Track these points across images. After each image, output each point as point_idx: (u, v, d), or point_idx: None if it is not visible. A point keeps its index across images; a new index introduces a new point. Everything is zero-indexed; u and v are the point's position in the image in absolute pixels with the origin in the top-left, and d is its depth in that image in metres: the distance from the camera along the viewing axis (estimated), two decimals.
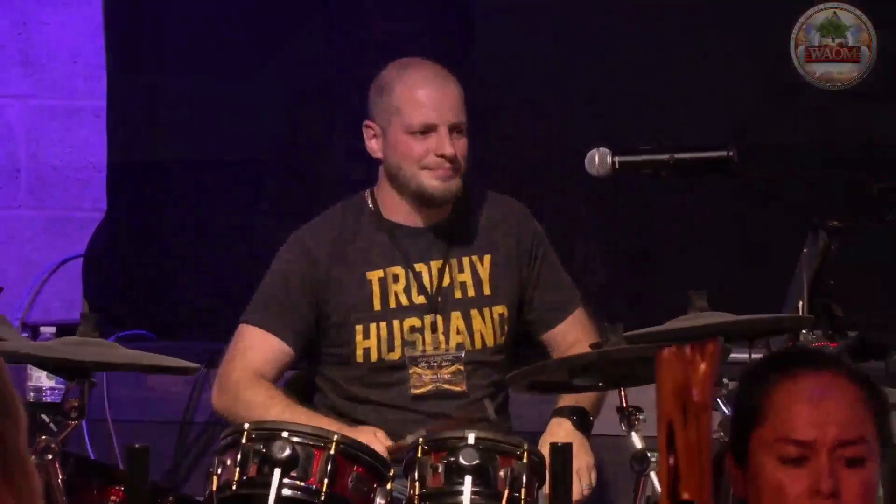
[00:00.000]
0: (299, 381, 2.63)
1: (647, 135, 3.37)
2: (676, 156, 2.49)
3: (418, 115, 2.43)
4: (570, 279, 2.64)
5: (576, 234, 3.54)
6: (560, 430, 2.40)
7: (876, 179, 2.50)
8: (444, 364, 2.45)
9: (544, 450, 2.21)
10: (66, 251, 3.98)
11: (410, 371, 2.44)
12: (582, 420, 2.34)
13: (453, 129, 2.45)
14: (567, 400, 2.45)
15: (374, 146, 2.51)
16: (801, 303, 2.44)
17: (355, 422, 2.43)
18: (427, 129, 2.43)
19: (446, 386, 2.45)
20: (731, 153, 2.50)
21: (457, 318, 2.49)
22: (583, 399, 2.44)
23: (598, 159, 2.50)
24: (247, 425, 2.14)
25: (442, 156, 2.41)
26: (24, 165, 3.97)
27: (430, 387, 2.44)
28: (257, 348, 2.48)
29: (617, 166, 2.49)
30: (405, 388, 2.44)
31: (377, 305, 2.47)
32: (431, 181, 2.43)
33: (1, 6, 3.93)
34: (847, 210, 2.82)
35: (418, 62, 2.54)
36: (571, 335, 2.56)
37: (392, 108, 2.46)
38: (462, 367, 2.46)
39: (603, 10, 3.60)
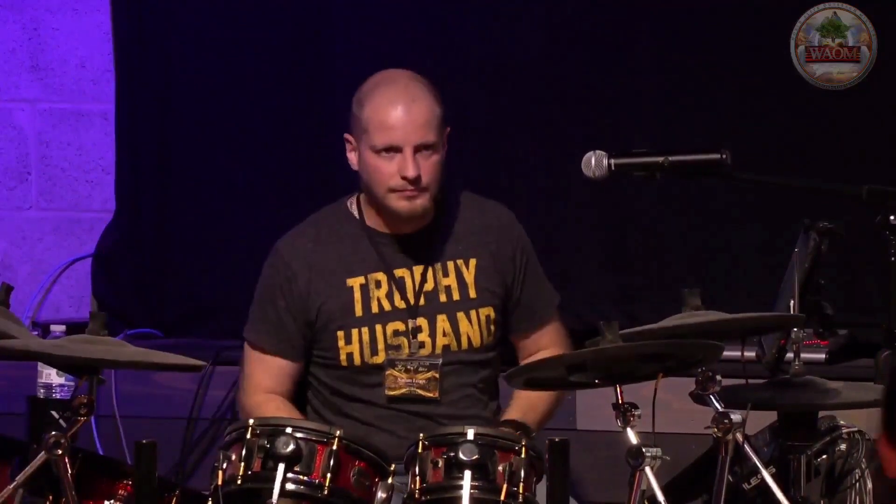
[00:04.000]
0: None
1: (644, 136, 3.37)
2: (671, 158, 2.49)
3: (382, 137, 2.41)
4: (551, 286, 2.64)
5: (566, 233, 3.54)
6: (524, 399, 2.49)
7: (865, 182, 2.50)
8: (421, 370, 2.46)
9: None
10: (76, 251, 3.99)
11: (387, 373, 2.45)
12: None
13: (420, 148, 2.42)
14: (516, 405, 2.49)
15: (352, 159, 2.51)
16: (792, 302, 2.44)
17: (353, 420, 2.45)
18: (392, 150, 2.41)
19: (419, 391, 2.46)
20: (724, 156, 2.50)
21: (443, 321, 2.49)
22: (536, 401, 2.47)
23: (595, 162, 2.50)
24: (251, 421, 2.14)
25: (405, 178, 2.40)
26: (34, 167, 3.98)
27: (403, 390, 2.45)
28: (260, 369, 2.52)
29: (613, 168, 2.49)
30: (382, 388, 2.46)
31: (359, 311, 2.47)
32: (398, 202, 2.41)
33: (12, 12, 3.94)
34: (837, 211, 2.82)
35: (392, 78, 2.49)
36: (543, 341, 2.59)
37: (362, 126, 2.45)
38: (437, 375, 2.46)
39: (603, 9, 3.59)
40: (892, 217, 2.35)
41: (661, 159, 2.51)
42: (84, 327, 2.19)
